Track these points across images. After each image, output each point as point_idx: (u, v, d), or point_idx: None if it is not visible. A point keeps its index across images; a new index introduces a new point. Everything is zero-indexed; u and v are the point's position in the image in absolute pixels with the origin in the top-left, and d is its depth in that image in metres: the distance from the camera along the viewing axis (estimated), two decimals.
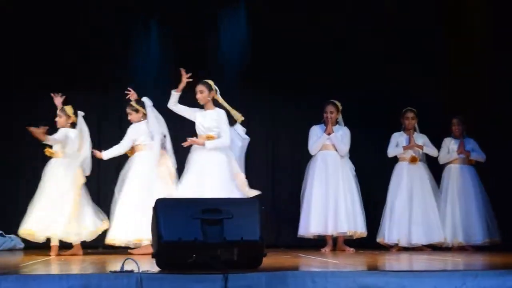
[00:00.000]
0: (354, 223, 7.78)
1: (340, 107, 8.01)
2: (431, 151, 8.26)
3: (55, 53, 8.63)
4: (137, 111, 7.52)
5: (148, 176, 7.35)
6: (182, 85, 7.26)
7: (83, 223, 7.20)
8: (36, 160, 8.09)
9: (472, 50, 8.95)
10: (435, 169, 8.36)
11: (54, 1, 8.65)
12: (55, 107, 7.53)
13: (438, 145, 8.35)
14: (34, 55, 8.62)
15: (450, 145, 8.37)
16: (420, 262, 6.13)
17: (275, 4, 9.01)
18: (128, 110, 7.58)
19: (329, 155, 7.92)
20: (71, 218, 7.10)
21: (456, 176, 8.29)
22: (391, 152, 8.21)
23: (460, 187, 8.25)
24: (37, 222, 7.09)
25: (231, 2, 9.13)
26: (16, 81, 8.61)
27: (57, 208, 7.09)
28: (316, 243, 7.98)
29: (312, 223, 7.78)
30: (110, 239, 7.30)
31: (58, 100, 7.54)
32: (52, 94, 7.57)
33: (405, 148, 8.13)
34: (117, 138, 7.76)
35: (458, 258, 6.44)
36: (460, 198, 8.20)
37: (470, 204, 8.18)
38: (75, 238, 7.18)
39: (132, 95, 7.62)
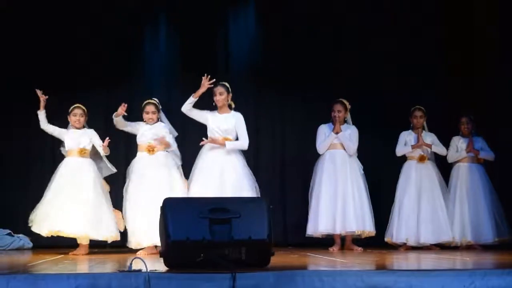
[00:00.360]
0: (362, 222, 7.77)
1: (349, 106, 7.99)
2: (440, 149, 8.23)
3: (56, 53, 8.61)
4: (159, 111, 7.47)
5: (171, 176, 7.34)
6: (202, 90, 7.23)
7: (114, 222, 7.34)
8: (43, 159, 8.12)
9: (474, 50, 8.96)
10: (444, 168, 8.33)
11: (56, 0, 8.67)
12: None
13: (444, 144, 8.30)
14: (33, 54, 8.61)
15: (459, 143, 8.34)
16: (428, 261, 6.11)
17: (284, 2, 9.03)
18: (153, 109, 7.38)
19: (337, 154, 7.91)
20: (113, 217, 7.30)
21: (465, 174, 8.26)
22: (400, 150, 8.19)
23: (469, 185, 8.22)
24: (85, 223, 7.11)
25: (240, 1, 9.15)
26: (14, 81, 8.60)
27: (99, 208, 7.19)
28: (324, 242, 7.97)
29: (320, 222, 7.77)
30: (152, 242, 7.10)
31: (42, 103, 7.37)
32: (38, 93, 7.41)
33: (413, 147, 8.11)
34: (125, 138, 7.76)
35: (467, 257, 6.42)
36: (469, 197, 8.17)
37: (479, 203, 8.14)
38: (114, 236, 7.29)
39: (123, 108, 7.35)
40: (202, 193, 6.90)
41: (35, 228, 7.17)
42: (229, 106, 7.38)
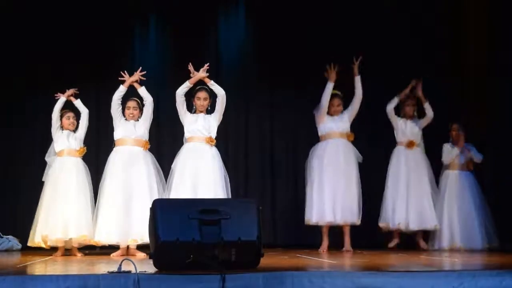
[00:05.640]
0: (358, 213, 7.73)
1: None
2: (429, 110, 8.15)
3: (43, 52, 8.61)
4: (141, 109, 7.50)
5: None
6: (198, 77, 7.32)
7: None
8: (32, 160, 8.09)
9: (471, 52, 9.02)
10: (433, 162, 8.30)
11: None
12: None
13: (436, 151, 8.30)
14: (29, 54, 8.60)
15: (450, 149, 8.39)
16: (418, 262, 6.13)
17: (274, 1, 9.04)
18: (135, 104, 7.41)
19: (335, 142, 7.79)
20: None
21: (455, 182, 8.27)
22: (389, 106, 8.10)
23: (459, 192, 8.23)
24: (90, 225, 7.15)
25: (230, 1, 9.17)
26: (6, 81, 8.58)
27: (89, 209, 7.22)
28: (313, 243, 7.97)
29: (326, 210, 7.63)
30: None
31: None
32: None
33: (401, 95, 8.07)
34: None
35: (456, 258, 6.44)
36: (459, 204, 8.18)
37: (468, 210, 8.16)
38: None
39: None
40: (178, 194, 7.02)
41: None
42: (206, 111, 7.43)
